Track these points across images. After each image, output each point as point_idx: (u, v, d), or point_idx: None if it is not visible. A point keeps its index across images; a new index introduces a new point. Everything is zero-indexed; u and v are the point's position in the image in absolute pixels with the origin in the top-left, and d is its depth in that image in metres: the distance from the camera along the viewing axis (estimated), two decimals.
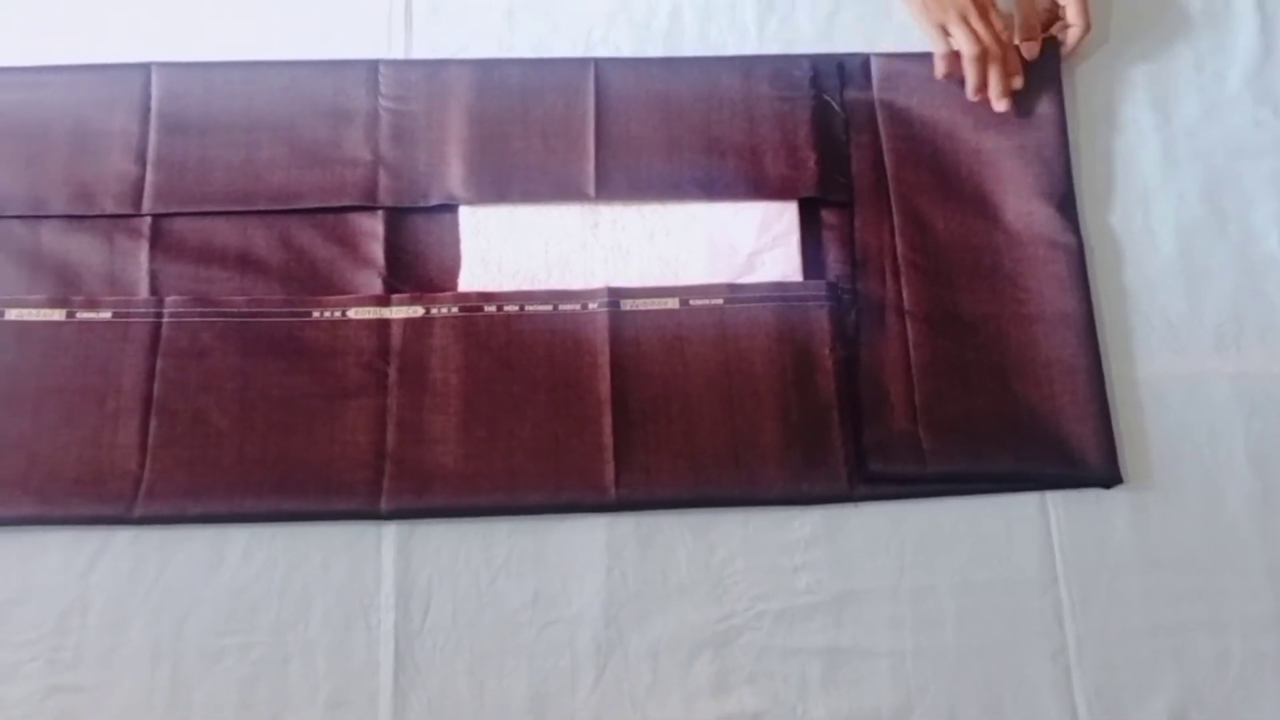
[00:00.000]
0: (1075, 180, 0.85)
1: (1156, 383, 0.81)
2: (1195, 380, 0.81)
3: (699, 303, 0.81)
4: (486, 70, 0.87)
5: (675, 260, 0.83)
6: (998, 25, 0.84)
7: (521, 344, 0.80)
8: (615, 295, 0.81)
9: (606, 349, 0.79)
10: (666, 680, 0.74)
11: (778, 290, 0.81)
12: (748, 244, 0.83)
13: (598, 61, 0.87)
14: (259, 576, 0.75)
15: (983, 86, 0.84)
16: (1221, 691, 0.74)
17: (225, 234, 0.83)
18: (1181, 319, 0.83)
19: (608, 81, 0.87)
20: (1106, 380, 0.80)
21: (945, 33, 0.83)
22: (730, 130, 0.86)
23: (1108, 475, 0.78)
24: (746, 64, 0.88)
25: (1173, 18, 0.91)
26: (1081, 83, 0.89)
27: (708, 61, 0.88)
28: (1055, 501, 0.78)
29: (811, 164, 0.85)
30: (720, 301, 0.81)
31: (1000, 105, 0.84)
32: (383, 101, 0.86)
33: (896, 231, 0.84)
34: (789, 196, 0.84)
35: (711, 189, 0.84)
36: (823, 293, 0.81)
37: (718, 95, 0.86)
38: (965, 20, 0.82)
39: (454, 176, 0.84)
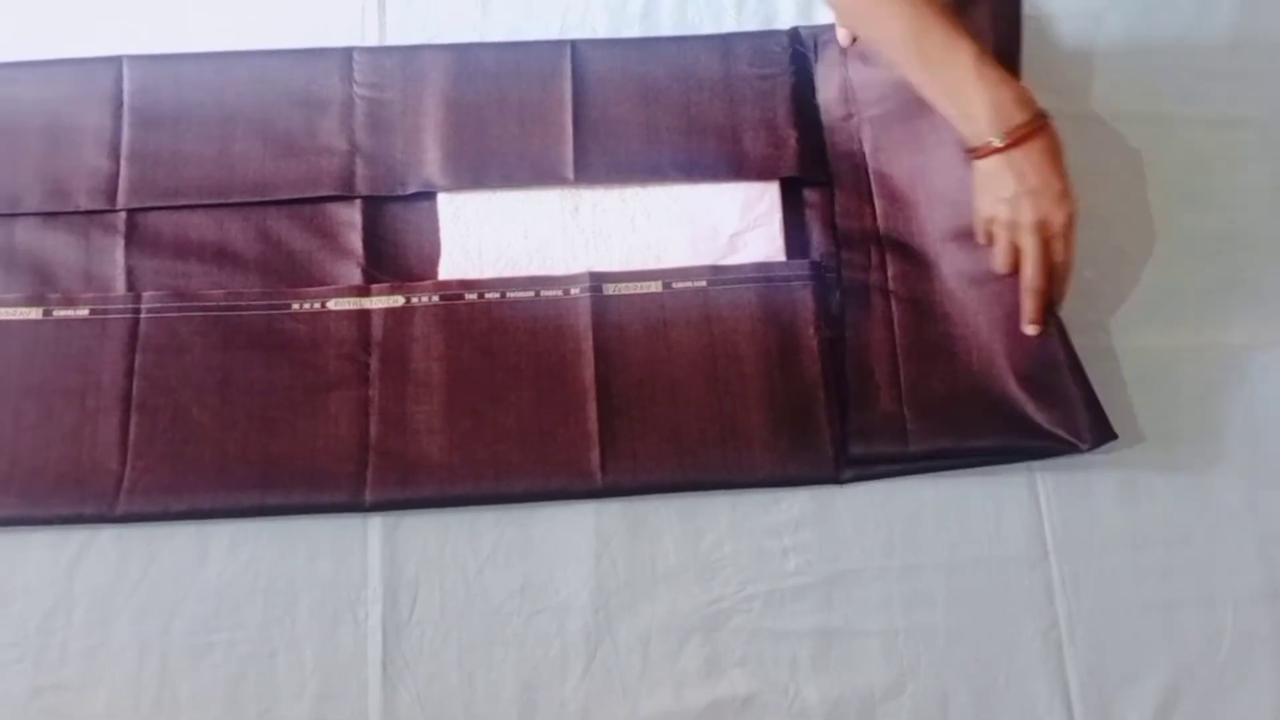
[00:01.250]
0: (1075, 151, 0.84)
1: (1147, 356, 0.81)
2: (1185, 353, 0.81)
3: (681, 285, 0.80)
4: (462, 55, 0.86)
5: (657, 243, 0.82)
6: (1059, 258, 0.75)
7: (504, 331, 0.79)
8: (597, 280, 0.80)
9: (590, 334, 0.79)
10: (657, 666, 0.73)
11: (760, 271, 0.81)
12: (730, 225, 0.83)
13: (574, 43, 0.86)
14: (244, 572, 0.74)
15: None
16: (1213, 667, 0.74)
17: (201, 227, 0.82)
18: (1171, 291, 0.82)
19: (585, 63, 0.86)
20: (1097, 352, 0.79)
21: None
22: (709, 110, 0.85)
23: (1099, 433, 0.74)
24: (724, 42, 0.87)
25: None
26: (1079, 55, 0.88)
27: (684, 40, 0.87)
28: (1045, 478, 0.77)
29: (792, 143, 0.84)
30: (704, 284, 0.80)
31: (1028, 329, 0.76)
32: (358, 89, 0.85)
33: (877, 210, 0.83)
34: (770, 176, 0.83)
35: (692, 170, 0.83)
36: (806, 272, 0.81)
37: (695, 75, 0.86)
38: (1016, 237, 0.75)
39: (431, 163, 0.83)
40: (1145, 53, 0.89)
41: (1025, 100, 0.72)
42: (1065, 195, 0.73)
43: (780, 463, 0.76)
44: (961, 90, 0.72)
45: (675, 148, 0.84)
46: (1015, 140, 0.72)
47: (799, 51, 0.87)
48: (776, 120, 0.84)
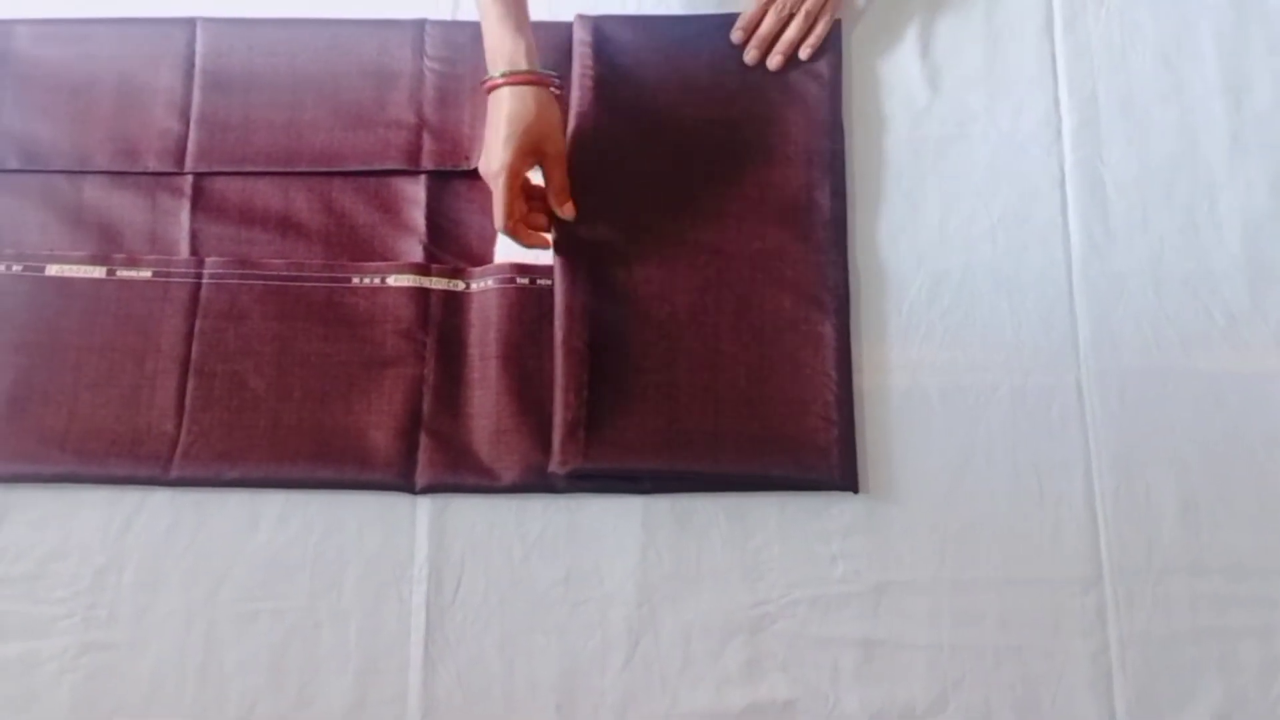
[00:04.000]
0: (1146, 166, 0.82)
1: (1215, 379, 0.78)
2: (1254, 379, 0.78)
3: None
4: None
5: None
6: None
7: (552, 318, 0.77)
8: None
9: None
10: (697, 664, 0.73)
11: None
12: None
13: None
14: (293, 543, 0.75)
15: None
16: (1266, 701, 0.72)
17: (267, 195, 0.82)
18: (1244, 314, 0.80)
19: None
20: (1162, 374, 0.77)
21: None
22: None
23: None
24: None
25: None
26: (1142, 58, 0.86)
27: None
28: (1104, 498, 0.76)
29: None
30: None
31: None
32: (428, 63, 0.84)
33: None
34: None
35: None
36: None
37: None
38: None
39: None
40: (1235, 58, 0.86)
41: None
42: None
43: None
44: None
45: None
46: None
47: None
48: None
